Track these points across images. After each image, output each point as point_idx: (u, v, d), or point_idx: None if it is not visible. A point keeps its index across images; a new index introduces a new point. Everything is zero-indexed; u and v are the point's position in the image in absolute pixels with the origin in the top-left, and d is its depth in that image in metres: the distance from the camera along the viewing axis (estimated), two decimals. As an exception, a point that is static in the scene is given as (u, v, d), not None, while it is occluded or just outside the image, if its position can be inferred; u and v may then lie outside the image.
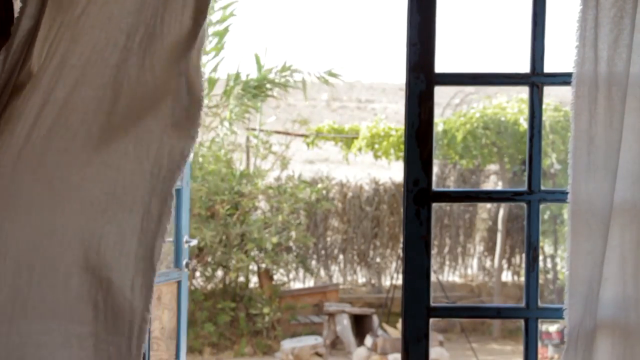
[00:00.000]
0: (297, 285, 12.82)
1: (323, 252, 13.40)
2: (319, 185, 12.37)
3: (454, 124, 12.02)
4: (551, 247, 12.14)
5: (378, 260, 13.45)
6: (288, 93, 11.68)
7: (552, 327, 10.65)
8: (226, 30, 10.74)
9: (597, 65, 2.34)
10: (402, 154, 12.16)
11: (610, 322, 2.36)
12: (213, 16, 10.53)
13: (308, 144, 13.40)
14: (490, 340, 11.87)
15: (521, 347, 2.58)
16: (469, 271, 13.94)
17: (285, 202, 11.21)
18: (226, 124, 11.04)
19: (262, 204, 11.71)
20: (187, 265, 4.04)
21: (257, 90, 11.14)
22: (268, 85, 11.24)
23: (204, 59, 10.78)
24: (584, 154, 2.37)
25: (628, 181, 2.35)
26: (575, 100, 2.36)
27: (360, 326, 10.98)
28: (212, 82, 11.09)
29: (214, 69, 11.12)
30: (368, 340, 10.26)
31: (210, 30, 10.62)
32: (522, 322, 2.54)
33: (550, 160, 11.77)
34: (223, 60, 11.33)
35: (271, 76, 11.25)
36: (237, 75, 11.23)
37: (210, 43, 10.84)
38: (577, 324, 2.37)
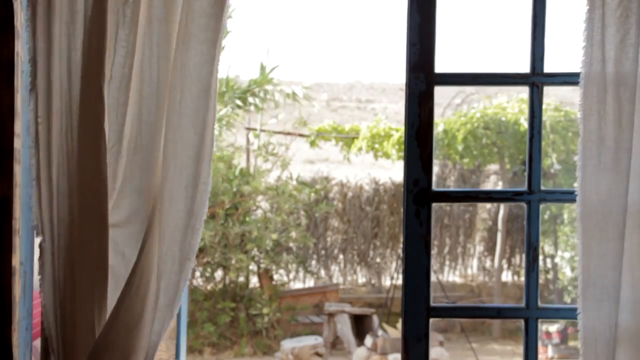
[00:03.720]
0: (297, 285, 12.82)
1: (323, 252, 13.40)
2: (318, 186, 12.36)
3: (454, 124, 12.02)
4: (551, 247, 12.14)
5: (378, 260, 13.45)
6: (266, 106, 11.69)
7: (552, 327, 10.65)
8: (225, 33, 10.72)
9: (604, 65, 2.33)
10: (402, 154, 12.17)
11: (625, 327, 2.34)
12: None
13: (311, 144, 13.40)
14: (490, 340, 11.87)
15: (521, 347, 2.57)
16: (469, 271, 13.94)
17: (284, 203, 11.22)
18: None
19: (263, 204, 11.72)
20: (187, 265, 4.03)
21: (241, 100, 11.18)
22: (250, 100, 11.27)
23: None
24: (594, 154, 2.35)
25: (637, 183, 2.34)
26: (584, 100, 2.35)
27: (360, 326, 10.99)
28: None
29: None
30: (368, 340, 10.26)
31: None
32: (522, 322, 2.54)
33: (550, 160, 11.77)
34: (222, 63, 11.30)
35: (254, 86, 11.29)
36: (228, 81, 11.23)
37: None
38: (592, 329, 2.35)
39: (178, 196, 2.35)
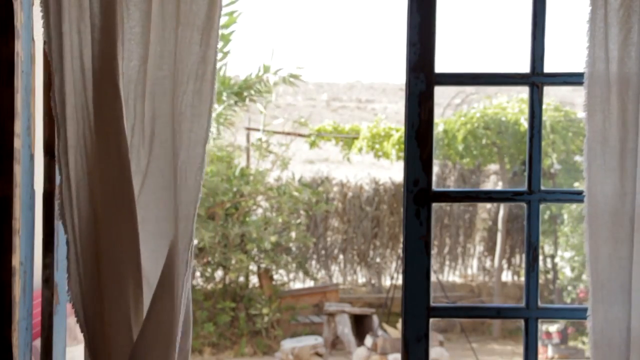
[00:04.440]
0: (297, 285, 12.83)
1: (323, 252, 13.40)
2: (320, 189, 12.35)
3: (454, 124, 12.03)
4: (551, 247, 12.15)
5: (378, 260, 13.45)
6: (262, 96, 11.68)
7: (552, 327, 10.65)
8: (229, 36, 10.69)
9: (608, 65, 2.33)
10: (402, 154, 12.18)
11: (637, 331, 2.31)
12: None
13: (310, 144, 13.40)
14: (490, 340, 11.87)
15: (521, 347, 2.57)
16: (469, 271, 13.94)
17: (285, 203, 11.22)
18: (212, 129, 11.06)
19: (263, 204, 11.72)
20: (187, 265, 4.04)
21: (237, 96, 11.18)
22: (246, 93, 11.27)
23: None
24: (599, 154, 2.34)
25: None
26: (588, 100, 2.35)
27: (360, 326, 10.98)
28: None
29: (217, 73, 11.09)
30: (368, 340, 10.26)
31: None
32: (522, 322, 2.53)
33: (550, 160, 11.77)
34: (227, 64, 11.32)
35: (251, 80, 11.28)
36: (225, 79, 11.22)
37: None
38: (601, 331, 2.33)
39: (172, 185, 2.36)
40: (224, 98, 11.06)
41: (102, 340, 2.34)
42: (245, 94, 11.24)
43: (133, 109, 2.36)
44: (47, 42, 2.35)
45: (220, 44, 11.00)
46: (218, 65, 11.33)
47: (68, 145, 2.34)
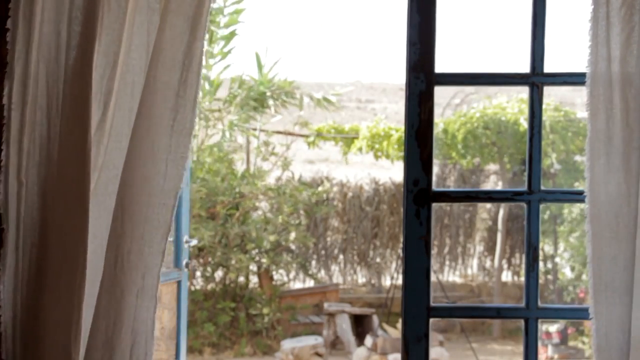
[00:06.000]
0: (297, 285, 12.82)
1: (323, 252, 13.40)
2: (320, 189, 12.34)
3: (454, 123, 12.02)
4: (551, 247, 12.14)
5: (378, 260, 13.45)
6: (287, 109, 11.71)
7: (552, 327, 10.64)
8: (232, 34, 10.68)
9: (610, 64, 2.32)
10: (402, 154, 12.16)
11: (638, 332, 2.29)
12: (220, 20, 10.47)
13: (309, 144, 13.39)
14: (490, 340, 11.86)
15: (521, 347, 2.57)
16: (469, 271, 13.93)
17: (285, 203, 11.21)
18: (227, 133, 11.07)
19: (263, 204, 11.71)
20: (187, 265, 4.04)
21: (257, 102, 11.18)
22: (271, 102, 11.29)
23: (210, 61, 10.77)
24: (602, 154, 2.33)
25: None
26: (590, 99, 2.34)
27: (360, 326, 10.98)
28: (216, 85, 11.07)
29: (220, 73, 11.09)
30: (368, 340, 10.26)
31: (218, 33, 10.58)
32: (522, 322, 2.53)
33: (550, 160, 11.76)
34: (229, 65, 11.35)
35: (272, 88, 11.29)
36: (242, 82, 11.21)
37: (217, 46, 10.79)
38: (605, 334, 2.31)
39: (152, 173, 2.31)
40: (237, 100, 11.05)
41: (35, 339, 2.26)
42: (270, 102, 11.25)
43: (103, 104, 2.31)
44: (12, 31, 2.27)
45: (221, 44, 10.88)
46: (225, 63, 11.26)
47: (24, 134, 2.27)
